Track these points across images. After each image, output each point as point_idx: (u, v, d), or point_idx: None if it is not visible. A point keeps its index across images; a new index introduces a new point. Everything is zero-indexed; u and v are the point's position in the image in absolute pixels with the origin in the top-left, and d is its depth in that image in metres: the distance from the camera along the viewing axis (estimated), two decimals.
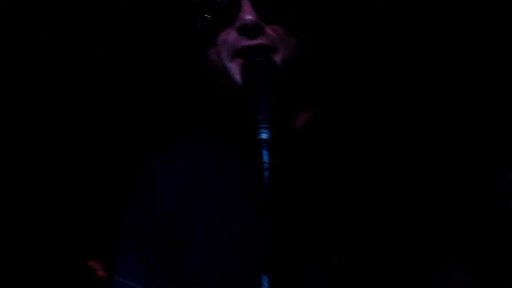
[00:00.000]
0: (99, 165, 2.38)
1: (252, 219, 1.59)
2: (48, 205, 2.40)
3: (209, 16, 1.66)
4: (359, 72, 2.32)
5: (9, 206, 2.38)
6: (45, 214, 2.40)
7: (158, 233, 1.69)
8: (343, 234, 1.58)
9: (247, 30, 1.61)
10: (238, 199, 1.65)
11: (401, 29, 2.35)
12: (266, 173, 1.41)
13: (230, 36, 1.63)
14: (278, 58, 1.62)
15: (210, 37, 1.66)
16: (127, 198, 1.78)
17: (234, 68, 1.61)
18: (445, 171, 1.72)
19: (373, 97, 1.81)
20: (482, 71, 2.35)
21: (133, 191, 1.77)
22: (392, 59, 2.36)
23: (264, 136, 1.44)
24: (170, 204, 1.71)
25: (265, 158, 1.42)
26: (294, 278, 1.55)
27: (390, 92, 2.14)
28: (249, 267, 1.55)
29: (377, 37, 2.36)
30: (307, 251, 1.57)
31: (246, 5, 1.62)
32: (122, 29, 2.36)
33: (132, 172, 1.85)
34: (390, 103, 1.78)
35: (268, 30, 1.62)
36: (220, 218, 1.65)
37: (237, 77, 1.61)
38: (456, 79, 2.36)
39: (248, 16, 1.60)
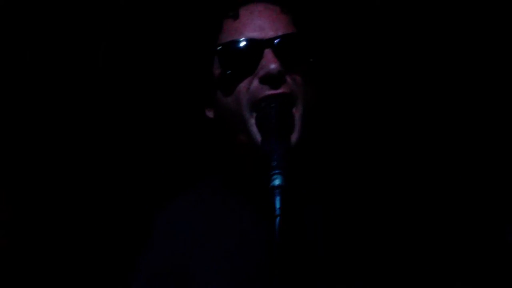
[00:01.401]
0: (114, 200, 2.40)
1: (264, 264, 1.60)
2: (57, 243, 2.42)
3: (231, 64, 1.70)
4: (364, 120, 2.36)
5: None
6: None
7: (171, 274, 1.71)
8: (351, 279, 1.60)
9: (271, 79, 1.64)
10: (250, 246, 1.67)
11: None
12: (277, 219, 1.43)
13: (252, 84, 1.66)
14: (298, 106, 1.65)
15: (230, 84, 1.69)
16: (140, 237, 1.81)
17: (252, 119, 1.65)
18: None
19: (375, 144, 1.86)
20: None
21: (149, 231, 1.79)
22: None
23: (277, 182, 1.47)
24: (184, 246, 1.72)
25: (278, 204, 1.44)
26: None
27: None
28: None
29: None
30: None
31: (269, 54, 1.66)
32: (140, 72, 2.40)
33: (147, 212, 1.88)
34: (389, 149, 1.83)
35: (289, 79, 1.66)
36: (231, 264, 1.67)
37: (254, 126, 1.64)
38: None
39: (273, 65, 1.63)
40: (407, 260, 1.65)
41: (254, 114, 1.64)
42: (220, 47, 1.72)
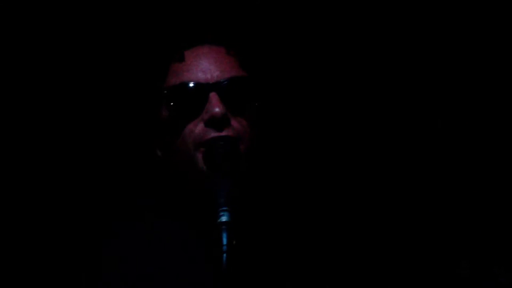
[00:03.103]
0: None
1: None
2: None
3: (177, 107, 1.72)
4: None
5: None
6: None
7: None
8: None
9: (215, 122, 1.68)
10: (197, 277, 1.68)
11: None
12: (224, 255, 1.45)
13: (198, 127, 1.69)
14: (242, 147, 1.69)
15: (177, 127, 1.72)
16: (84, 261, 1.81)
17: (198, 157, 1.67)
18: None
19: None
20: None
21: (95, 255, 1.80)
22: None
23: (224, 218, 1.49)
24: (131, 274, 1.72)
25: (224, 240, 1.46)
26: None
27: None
28: None
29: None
30: None
31: (213, 98, 1.69)
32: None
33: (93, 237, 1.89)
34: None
35: (233, 121, 1.70)
36: None
37: (200, 163, 1.67)
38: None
39: (217, 108, 1.67)
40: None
41: (201, 152, 1.67)
42: (166, 90, 1.74)
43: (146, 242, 1.77)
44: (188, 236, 1.75)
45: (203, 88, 1.71)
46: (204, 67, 1.74)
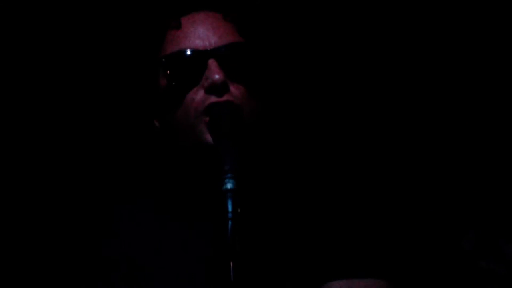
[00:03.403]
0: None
1: (214, 266, 1.61)
2: None
3: (176, 75, 1.70)
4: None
5: None
6: None
7: (117, 274, 1.71)
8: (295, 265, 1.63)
9: (215, 88, 1.65)
10: (202, 248, 1.67)
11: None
12: (230, 222, 1.43)
13: (198, 94, 1.67)
14: (243, 113, 1.66)
15: (176, 95, 1.69)
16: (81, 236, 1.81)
17: (201, 126, 1.65)
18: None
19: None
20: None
21: (92, 231, 1.80)
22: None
23: (229, 186, 1.46)
24: (131, 247, 1.73)
25: (230, 207, 1.44)
26: None
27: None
28: None
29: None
30: None
31: (212, 64, 1.66)
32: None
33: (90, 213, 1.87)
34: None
35: (233, 88, 1.67)
36: (181, 266, 1.68)
37: (205, 133, 1.65)
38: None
39: (217, 75, 1.64)
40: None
41: (203, 119, 1.65)
42: (163, 59, 1.72)
43: (150, 217, 1.77)
44: (191, 205, 1.74)
45: (201, 55, 1.68)
46: (201, 34, 1.71)
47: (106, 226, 1.80)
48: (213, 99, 1.65)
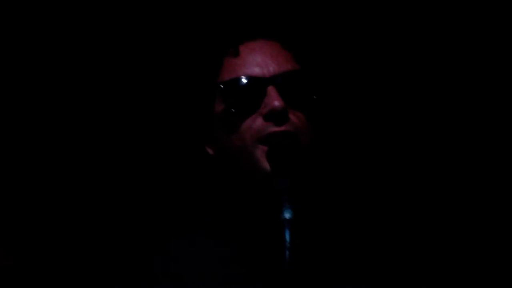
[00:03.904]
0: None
1: None
2: None
3: (234, 101, 1.71)
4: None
5: None
6: None
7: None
8: None
9: (275, 116, 1.66)
10: (256, 276, 1.67)
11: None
12: (287, 252, 1.44)
13: (256, 122, 1.68)
14: (302, 142, 1.67)
15: (233, 122, 1.70)
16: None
17: (259, 154, 1.66)
18: None
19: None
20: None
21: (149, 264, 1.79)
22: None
23: (287, 215, 1.47)
24: (181, 266, 1.73)
25: (287, 237, 1.44)
26: None
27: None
28: None
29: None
30: None
31: (272, 92, 1.67)
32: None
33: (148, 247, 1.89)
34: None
35: (292, 116, 1.68)
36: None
37: (263, 162, 1.65)
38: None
39: (277, 102, 1.65)
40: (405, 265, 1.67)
41: (261, 147, 1.66)
42: (222, 85, 1.73)
43: (205, 243, 1.76)
44: (246, 232, 1.74)
45: (260, 82, 1.69)
46: (259, 61, 1.72)
47: (161, 250, 1.79)
48: (273, 127, 1.66)
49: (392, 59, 2.36)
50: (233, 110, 1.70)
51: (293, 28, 1.96)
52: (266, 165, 1.65)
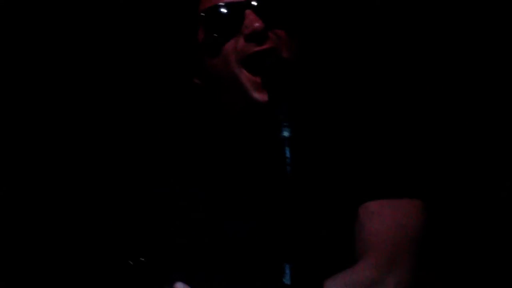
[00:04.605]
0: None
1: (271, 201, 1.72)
2: None
3: (215, 27, 1.78)
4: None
5: None
6: None
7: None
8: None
9: (256, 36, 1.73)
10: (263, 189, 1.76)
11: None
12: (288, 167, 1.51)
13: (238, 43, 1.75)
14: (284, 56, 1.75)
15: (217, 47, 1.77)
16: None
17: (246, 82, 1.74)
18: None
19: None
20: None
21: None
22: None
23: (286, 134, 1.54)
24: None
25: (288, 154, 1.52)
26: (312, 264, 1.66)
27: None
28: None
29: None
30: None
31: (250, 14, 1.75)
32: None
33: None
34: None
35: (271, 34, 1.76)
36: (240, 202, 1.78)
37: (253, 93, 1.73)
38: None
39: (256, 23, 1.73)
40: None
41: (245, 73, 1.73)
42: (203, 13, 1.79)
43: (201, 172, 1.86)
44: (248, 154, 1.82)
45: (238, 6, 1.76)
46: None
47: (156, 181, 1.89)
48: (254, 47, 1.74)
49: None
50: (215, 35, 1.77)
51: None
52: (257, 95, 1.73)
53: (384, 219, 1.68)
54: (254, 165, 1.81)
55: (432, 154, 1.95)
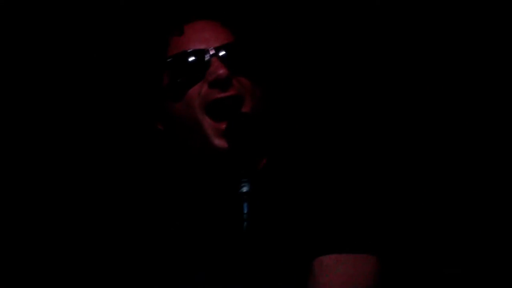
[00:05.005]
0: None
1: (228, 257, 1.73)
2: None
3: (180, 73, 1.81)
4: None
5: None
6: None
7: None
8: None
9: (219, 83, 1.77)
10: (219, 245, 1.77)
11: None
12: (245, 223, 1.55)
13: (202, 89, 1.78)
14: (246, 108, 1.78)
15: (181, 92, 1.80)
16: None
17: (209, 129, 1.76)
18: None
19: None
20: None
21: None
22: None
23: (245, 189, 1.58)
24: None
25: (245, 209, 1.56)
26: None
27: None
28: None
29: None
30: None
31: (215, 62, 1.79)
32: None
33: None
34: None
35: (235, 82, 1.80)
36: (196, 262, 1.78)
37: (215, 140, 1.75)
38: None
39: (220, 70, 1.77)
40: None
41: (208, 120, 1.76)
42: (169, 59, 1.83)
43: (160, 222, 1.87)
44: (201, 207, 1.84)
45: (203, 54, 1.80)
46: (202, 38, 1.83)
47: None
48: (218, 93, 1.77)
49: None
50: (179, 80, 1.81)
51: (234, 10, 2.04)
52: (218, 142, 1.75)
53: (338, 274, 1.70)
54: (211, 218, 1.82)
55: (389, 209, 1.97)
